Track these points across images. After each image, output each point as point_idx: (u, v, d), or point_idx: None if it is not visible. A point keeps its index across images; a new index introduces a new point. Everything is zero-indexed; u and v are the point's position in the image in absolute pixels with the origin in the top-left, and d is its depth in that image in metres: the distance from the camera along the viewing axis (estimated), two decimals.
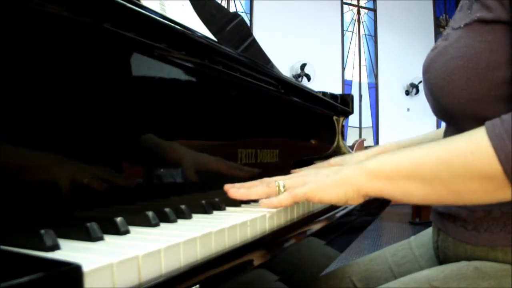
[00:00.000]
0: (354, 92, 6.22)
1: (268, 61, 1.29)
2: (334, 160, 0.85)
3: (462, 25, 0.58)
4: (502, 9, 0.53)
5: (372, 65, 6.60)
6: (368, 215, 0.94)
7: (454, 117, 0.61)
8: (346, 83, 6.29)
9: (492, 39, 0.54)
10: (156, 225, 0.41)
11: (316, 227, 0.59)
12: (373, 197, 0.53)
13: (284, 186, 0.56)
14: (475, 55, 0.55)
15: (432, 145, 0.50)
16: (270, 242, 0.47)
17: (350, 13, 6.48)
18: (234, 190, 0.58)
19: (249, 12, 5.44)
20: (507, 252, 0.56)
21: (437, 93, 0.60)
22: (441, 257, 0.68)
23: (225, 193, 0.60)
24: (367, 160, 0.54)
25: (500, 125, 0.45)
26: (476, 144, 0.45)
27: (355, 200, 0.53)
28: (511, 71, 0.53)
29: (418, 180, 0.49)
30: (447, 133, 0.67)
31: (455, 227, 0.62)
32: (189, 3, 0.94)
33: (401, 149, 0.53)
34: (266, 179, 0.61)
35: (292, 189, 0.55)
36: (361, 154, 0.86)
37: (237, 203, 0.57)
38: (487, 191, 0.46)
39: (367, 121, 6.52)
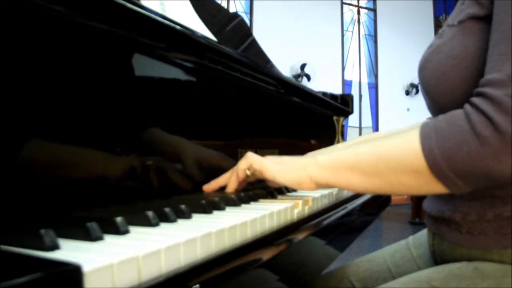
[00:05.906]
0: (354, 92, 6.22)
1: (268, 61, 1.29)
2: None
3: (456, 23, 0.58)
4: (492, 4, 0.53)
5: (372, 65, 6.59)
6: (368, 215, 0.94)
7: None
8: (346, 83, 6.28)
9: (485, 37, 0.53)
10: (156, 225, 0.41)
11: (317, 227, 0.59)
12: (323, 185, 0.59)
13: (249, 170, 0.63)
14: (468, 54, 0.55)
15: (374, 142, 0.54)
16: (270, 242, 0.47)
17: (350, 13, 6.48)
18: (206, 186, 0.65)
19: (249, 12, 5.44)
20: (502, 254, 0.56)
21: (432, 91, 0.60)
22: (438, 261, 0.68)
23: (225, 193, 0.59)
24: (320, 154, 0.60)
25: (432, 124, 0.49)
26: (409, 141, 0.50)
27: (308, 185, 0.59)
28: None
29: (359, 172, 0.54)
30: None
31: (450, 230, 0.62)
32: (189, 3, 0.94)
33: (349, 146, 0.58)
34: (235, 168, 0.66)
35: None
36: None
37: (236, 202, 0.57)
38: (419, 184, 0.50)
39: (367, 121, 6.51)
